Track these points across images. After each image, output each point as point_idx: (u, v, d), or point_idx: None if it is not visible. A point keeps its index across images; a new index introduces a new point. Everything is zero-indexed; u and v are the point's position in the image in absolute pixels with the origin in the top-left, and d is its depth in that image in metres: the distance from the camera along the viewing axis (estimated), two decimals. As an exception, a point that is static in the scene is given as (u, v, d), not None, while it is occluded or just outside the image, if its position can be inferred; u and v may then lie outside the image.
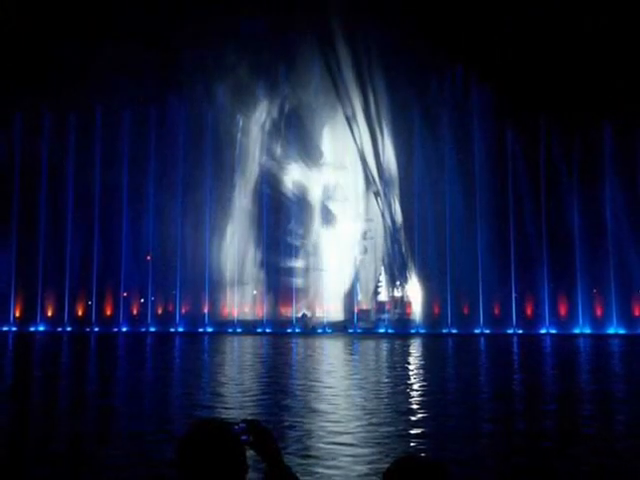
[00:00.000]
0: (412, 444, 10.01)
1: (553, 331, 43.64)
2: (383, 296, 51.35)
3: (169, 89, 48.73)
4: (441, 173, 47.62)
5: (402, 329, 45.99)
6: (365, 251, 52.50)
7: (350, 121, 52.36)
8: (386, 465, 2.10)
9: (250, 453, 2.20)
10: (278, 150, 52.62)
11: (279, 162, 52.31)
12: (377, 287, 51.77)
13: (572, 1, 48.94)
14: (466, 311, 45.92)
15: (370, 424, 11.37)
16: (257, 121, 52.64)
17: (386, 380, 18.81)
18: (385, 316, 48.86)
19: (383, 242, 52.50)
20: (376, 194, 52.75)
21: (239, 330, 46.10)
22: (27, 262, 47.36)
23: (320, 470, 8.16)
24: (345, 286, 50.88)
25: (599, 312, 44.72)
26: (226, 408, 13.00)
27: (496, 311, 45.67)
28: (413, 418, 12.25)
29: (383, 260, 52.38)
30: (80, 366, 23.67)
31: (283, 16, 47.14)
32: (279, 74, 50.83)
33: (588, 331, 43.10)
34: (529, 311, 45.86)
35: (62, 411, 13.60)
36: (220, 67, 49.71)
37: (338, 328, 46.32)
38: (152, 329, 46.33)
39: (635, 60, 45.65)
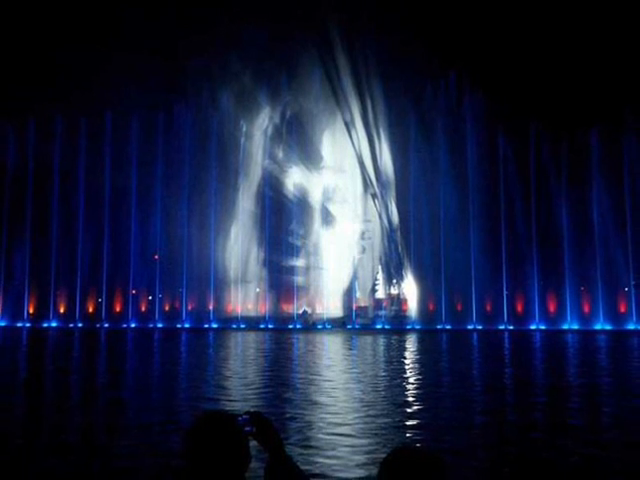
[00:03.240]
0: (408, 435, 10.00)
1: (542, 327, 43.65)
2: (380, 293, 51.37)
3: (176, 96, 48.78)
4: (436, 176, 47.62)
5: (398, 325, 45.99)
6: (363, 250, 52.49)
7: (349, 126, 52.35)
8: (383, 455, 2.10)
9: (253, 443, 2.20)
10: (280, 154, 52.62)
11: (281, 165, 52.30)
12: (375, 285, 51.77)
13: (561, 11, 48.93)
14: (459, 308, 45.93)
15: (368, 416, 11.36)
16: (260, 126, 52.63)
17: (383, 374, 18.80)
18: (382, 313, 48.85)
19: (380, 242, 52.50)
20: (373, 196, 52.74)
21: (243, 326, 46.10)
22: (40, 261, 47.38)
23: (320, 460, 8.16)
24: (344, 284, 50.88)
25: (586, 309, 44.73)
26: (230, 400, 13.00)
27: (488, 308, 45.68)
28: (409, 410, 12.24)
29: (380, 259, 52.37)
30: (91, 360, 23.69)
31: (284, 26, 47.13)
32: (281, 82, 50.85)
33: (576, 327, 43.12)
34: (519, 308, 45.86)
35: (73, 403, 13.60)
36: (224, 75, 49.73)
37: (337, 324, 46.32)
38: (159, 325, 46.34)
39: (621, 68, 45.67)
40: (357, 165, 52.52)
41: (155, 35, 47.46)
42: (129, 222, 48.16)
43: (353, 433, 9.86)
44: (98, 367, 21.43)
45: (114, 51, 46.44)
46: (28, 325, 45.98)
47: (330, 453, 8.56)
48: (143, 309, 48.48)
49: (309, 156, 52.04)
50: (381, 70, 49.33)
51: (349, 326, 46.14)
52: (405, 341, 34.44)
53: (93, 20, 50.14)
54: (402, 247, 51.25)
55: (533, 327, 43.85)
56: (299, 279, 50.31)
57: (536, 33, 49.13)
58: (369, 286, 52.03)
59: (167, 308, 48.78)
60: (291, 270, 50.35)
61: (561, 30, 47.82)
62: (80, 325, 45.92)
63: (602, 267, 44.21)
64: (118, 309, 48.00)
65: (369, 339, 35.43)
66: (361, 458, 8.28)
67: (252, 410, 2.29)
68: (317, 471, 7.56)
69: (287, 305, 49.95)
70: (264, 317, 48.08)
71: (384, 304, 50.23)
